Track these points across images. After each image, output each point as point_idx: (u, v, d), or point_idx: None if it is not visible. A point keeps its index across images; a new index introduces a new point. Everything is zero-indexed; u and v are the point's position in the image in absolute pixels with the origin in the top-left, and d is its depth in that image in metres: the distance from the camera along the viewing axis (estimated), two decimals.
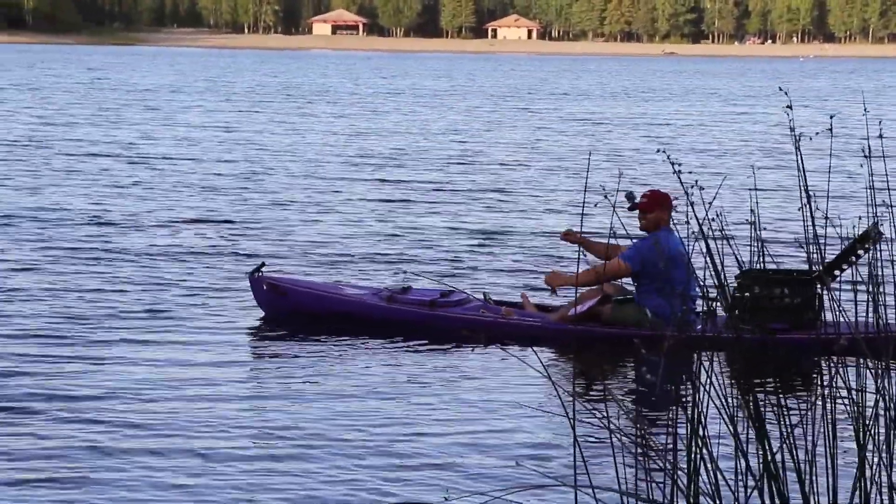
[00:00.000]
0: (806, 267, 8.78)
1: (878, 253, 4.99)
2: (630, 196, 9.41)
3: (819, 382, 4.60)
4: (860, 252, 8.61)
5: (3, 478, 6.28)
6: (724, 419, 4.24)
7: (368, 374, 8.45)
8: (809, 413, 4.30)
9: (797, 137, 4.88)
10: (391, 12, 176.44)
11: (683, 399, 4.44)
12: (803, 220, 4.89)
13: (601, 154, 24.64)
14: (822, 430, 4.29)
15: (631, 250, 9.29)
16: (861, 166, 5.37)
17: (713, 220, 4.78)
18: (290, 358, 8.87)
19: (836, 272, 8.70)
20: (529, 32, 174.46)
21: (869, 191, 5.34)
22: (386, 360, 8.84)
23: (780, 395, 4.57)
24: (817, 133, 5.48)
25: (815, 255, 4.85)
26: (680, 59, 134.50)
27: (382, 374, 8.45)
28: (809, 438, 4.25)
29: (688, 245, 4.94)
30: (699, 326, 7.27)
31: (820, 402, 4.35)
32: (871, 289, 4.68)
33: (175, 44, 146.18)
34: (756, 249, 7.86)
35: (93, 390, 7.83)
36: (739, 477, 4.20)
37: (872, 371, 4.39)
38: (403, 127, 31.71)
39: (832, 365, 4.43)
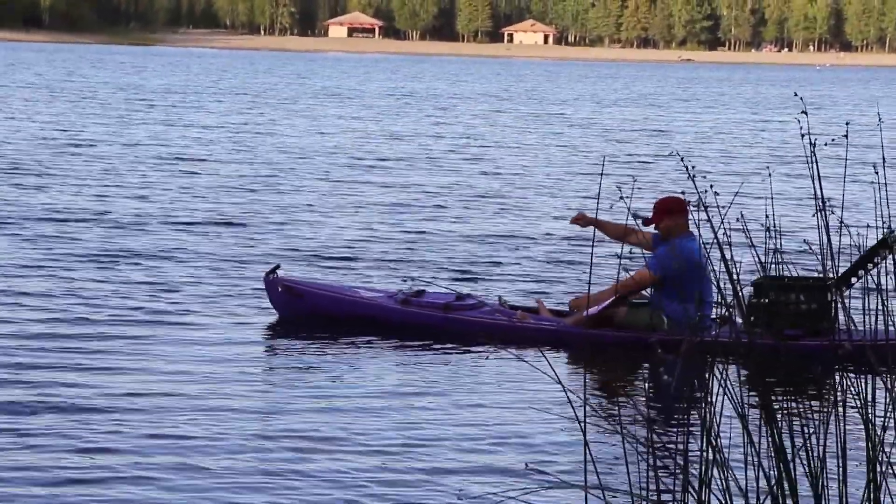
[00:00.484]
0: (821, 274, 8.77)
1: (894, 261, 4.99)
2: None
3: (832, 390, 4.61)
4: (876, 260, 8.61)
5: (3, 477, 6.31)
6: (739, 424, 4.25)
7: (383, 376, 8.48)
8: (822, 421, 4.31)
9: (812, 144, 4.89)
10: (407, 15, 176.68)
11: (696, 403, 4.45)
12: (818, 227, 4.89)
13: (616, 161, 24.60)
14: (834, 437, 4.30)
15: (652, 259, 9.36)
16: (876, 173, 5.37)
17: (730, 225, 4.78)
18: (305, 360, 8.90)
19: (853, 279, 8.71)
20: (546, 37, 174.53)
21: (884, 199, 5.35)
22: (400, 363, 8.87)
23: (794, 402, 4.57)
24: (833, 139, 5.49)
25: (829, 263, 4.85)
26: (697, 65, 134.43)
27: (396, 377, 8.48)
28: (821, 446, 4.26)
29: (707, 250, 4.95)
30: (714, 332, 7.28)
31: (832, 410, 4.35)
32: (885, 297, 4.69)
33: (192, 44, 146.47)
34: (770, 258, 7.86)
35: (106, 394, 7.85)
36: (751, 483, 4.21)
37: (885, 380, 4.40)
38: (417, 130, 31.72)
39: (845, 373, 4.44)
